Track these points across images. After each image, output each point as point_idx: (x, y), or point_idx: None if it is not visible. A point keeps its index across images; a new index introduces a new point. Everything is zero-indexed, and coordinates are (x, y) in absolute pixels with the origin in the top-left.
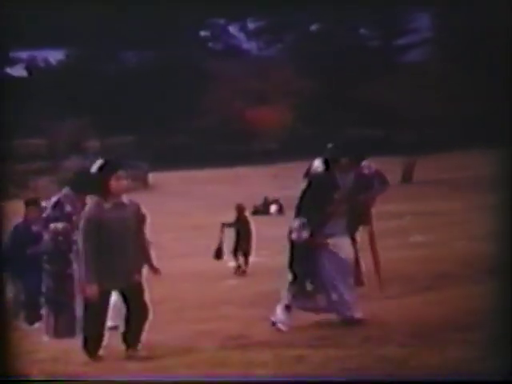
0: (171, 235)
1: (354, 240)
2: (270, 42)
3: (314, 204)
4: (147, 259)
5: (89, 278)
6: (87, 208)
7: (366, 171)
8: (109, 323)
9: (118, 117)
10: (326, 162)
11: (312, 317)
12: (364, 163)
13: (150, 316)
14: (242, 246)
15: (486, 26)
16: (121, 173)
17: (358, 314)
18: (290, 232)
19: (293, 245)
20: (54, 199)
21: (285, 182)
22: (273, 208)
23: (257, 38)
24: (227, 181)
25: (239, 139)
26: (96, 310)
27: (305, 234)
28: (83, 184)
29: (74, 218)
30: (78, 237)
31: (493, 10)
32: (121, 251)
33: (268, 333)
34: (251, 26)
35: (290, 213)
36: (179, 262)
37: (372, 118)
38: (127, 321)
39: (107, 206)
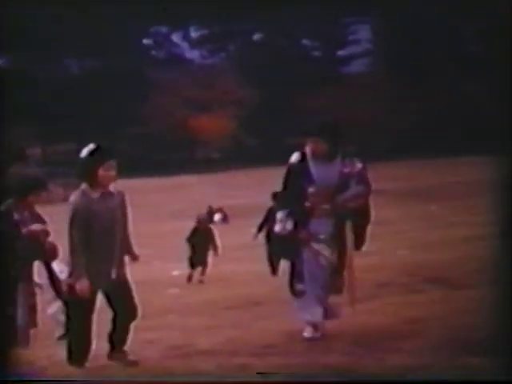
0: None
1: (343, 245)
2: (213, 50)
3: (290, 195)
4: (128, 246)
5: (79, 273)
6: (74, 197)
7: (346, 169)
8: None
9: (61, 124)
10: (303, 153)
11: (256, 325)
12: (347, 160)
13: (139, 315)
14: (199, 256)
15: (426, 37)
16: (111, 163)
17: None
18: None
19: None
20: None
21: (228, 190)
22: (217, 217)
23: (200, 47)
24: (170, 189)
25: (182, 147)
26: (82, 312)
27: (289, 226)
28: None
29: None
30: (67, 228)
31: (434, 23)
32: (108, 245)
33: (211, 341)
34: (194, 34)
35: (234, 221)
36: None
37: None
38: (114, 320)
39: (95, 195)
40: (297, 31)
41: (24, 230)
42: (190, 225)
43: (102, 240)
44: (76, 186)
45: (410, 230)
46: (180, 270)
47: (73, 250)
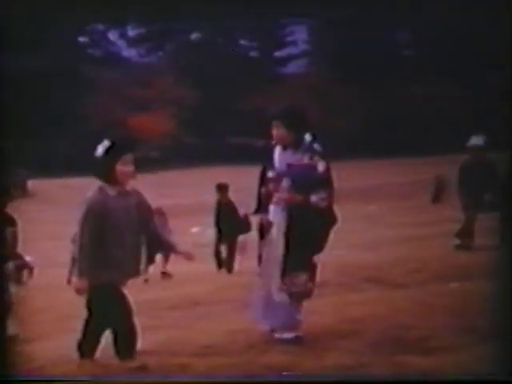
0: (52, 244)
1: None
2: (150, 49)
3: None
4: (172, 247)
5: (81, 271)
6: (90, 195)
7: (306, 161)
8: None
9: None
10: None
11: (197, 324)
12: (317, 158)
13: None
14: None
15: (363, 37)
16: (128, 156)
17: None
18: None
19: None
20: None
21: (167, 190)
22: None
23: (137, 46)
24: None
25: None
26: (99, 307)
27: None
28: None
29: None
30: (78, 225)
31: (372, 23)
32: (124, 244)
33: (152, 341)
34: (131, 33)
35: (173, 221)
36: (61, 271)
37: (252, 127)
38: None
39: (112, 193)
40: (234, 31)
41: None
42: None
43: (118, 238)
44: (13, 185)
45: (349, 230)
46: None
47: (81, 247)
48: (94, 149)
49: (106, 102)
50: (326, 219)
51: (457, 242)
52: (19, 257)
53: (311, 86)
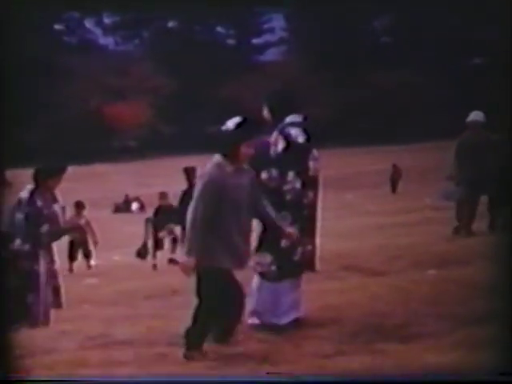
0: None
1: None
2: (127, 37)
3: None
4: (279, 228)
5: (190, 249)
6: (208, 169)
7: (268, 141)
8: None
9: None
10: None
11: (175, 314)
12: (280, 137)
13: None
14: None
15: (339, 26)
16: (253, 140)
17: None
18: None
19: None
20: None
21: (145, 179)
22: (134, 206)
23: (113, 33)
24: (86, 178)
25: (97, 136)
26: (211, 292)
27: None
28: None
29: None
30: (193, 200)
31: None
32: (240, 223)
33: (129, 332)
34: (108, 20)
35: (151, 210)
36: None
37: (230, 115)
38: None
39: (229, 169)
40: (211, 19)
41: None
42: (107, 214)
43: (232, 217)
44: None
45: (326, 219)
46: (97, 259)
47: (193, 224)
48: (71, 138)
49: (82, 90)
50: (275, 200)
51: (456, 224)
52: None
53: (288, 74)
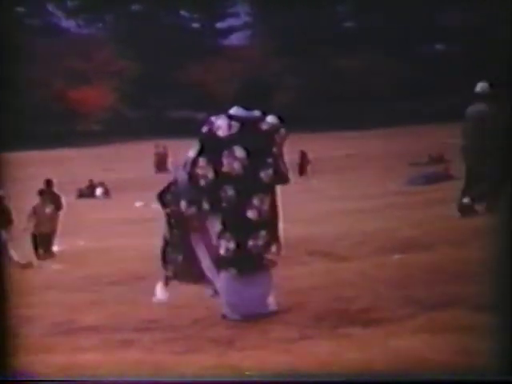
0: None
1: None
2: (89, 20)
3: None
4: None
5: None
6: None
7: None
8: None
9: None
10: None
11: (141, 299)
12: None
13: None
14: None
15: (305, 11)
16: None
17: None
18: None
19: None
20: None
21: (109, 164)
22: (98, 191)
23: (76, 16)
24: (49, 163)
25: (60, 120)
26: None
27: None
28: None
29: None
30: None
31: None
32: None
33: (94, 317)
34: (70, 3)
35: (116, 195)
36: None
37: (195, 100)
38: None
39: None
40: (175, 2)
41: None
42: (71, 199)
43: None
44: None
45: (292, 204)
46: (62, 245)
47: None
48: (34, 122)
49: (45, 74)
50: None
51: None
52: None
53: (252, 58)
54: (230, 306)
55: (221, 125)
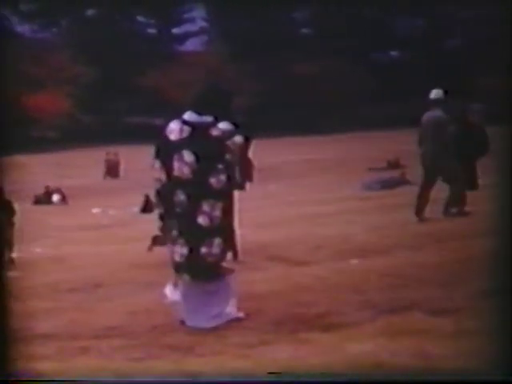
0: None
1: None
2: (44, 25)
3: None
4: None
5: None
6: None
7: None
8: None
9: None
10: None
11: (99, 306)
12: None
13: None
14: None
15: (262, 17)
16: None
17: None
18: None
19: None
20: None
21: (65, 170)
22: (55, 197)
23: (30, 21)
24: (4, 170)
25: (16, 126)
26: None
27: None
28: None
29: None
30: None
31: (268, 4)
32: None
33: (51, 325)
34: (24, 8)
35: (73, 202)
36: None
37: (151, 105)
38: None
39: None
40: (131, 8)
41: None
42: (27, 206)
43: None
44: None
45: (250, 210)
46: (19, 252)
47: None
48: None
49: None
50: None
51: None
52: None
53: (209, 64)
54: (186, 313)
55: (173, 128)
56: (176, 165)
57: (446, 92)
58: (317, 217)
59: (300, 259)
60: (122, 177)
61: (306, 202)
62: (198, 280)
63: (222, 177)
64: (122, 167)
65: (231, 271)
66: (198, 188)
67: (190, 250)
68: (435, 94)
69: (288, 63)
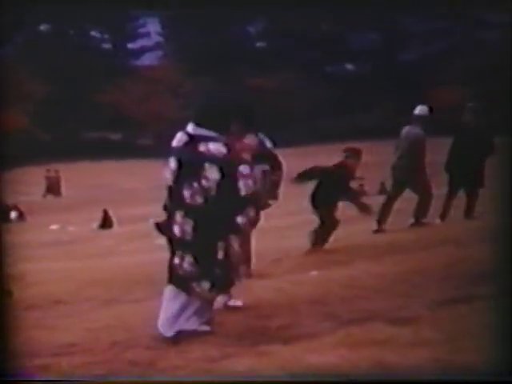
0: None
1: None
2: None
3: None
4: None
5: None
6: None
7: None
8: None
9: None
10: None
11: (59, 323)
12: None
13: None
14: None
15: (218, 32)
16: None
17: None
18: None
19: None
20: None
21: (23, 187)
22: (13, 214)
23: None
24: None
25: None
26: None
27: None
28: None
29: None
30: None
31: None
32: None
33: (11, 342)
34: None
35: (31, 219)
36: None
37: (108, 121)
38: None
39: None
40: (85, 23)
41: None
42: None
43: None
44: None
45: None
46: None
47: None
48: None
49: None
50: None
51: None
52: None
53: (165, 78)
54: (161, 320)
55: (176, 136)
56: (164, 169)
57: (431, 109)
58: (277, 229)
59: (260, 272)
60: (81, 192)
61: (265, 213)
62: (181, 291)
63: (197, 196)
64: (62, 184)
65: (198, 294)
66: (175, 198)
67: (170, 259)
68: (420, 110)
69: (245, 77)
